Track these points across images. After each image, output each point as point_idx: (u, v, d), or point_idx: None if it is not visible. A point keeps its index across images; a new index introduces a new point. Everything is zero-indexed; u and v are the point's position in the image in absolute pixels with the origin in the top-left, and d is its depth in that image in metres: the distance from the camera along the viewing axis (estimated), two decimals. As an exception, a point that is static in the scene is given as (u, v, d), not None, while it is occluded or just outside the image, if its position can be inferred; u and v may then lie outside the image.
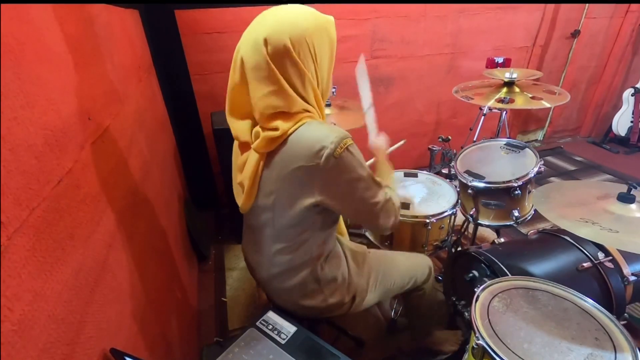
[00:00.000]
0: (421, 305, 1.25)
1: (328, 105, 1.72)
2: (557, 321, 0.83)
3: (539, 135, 3.47)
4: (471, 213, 1.48)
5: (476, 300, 0.88)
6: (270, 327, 0.86)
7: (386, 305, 1.65)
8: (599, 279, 1.09)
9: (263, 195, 0.85)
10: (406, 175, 1.65)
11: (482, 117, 2.00)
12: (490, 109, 1.86)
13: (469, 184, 1.40)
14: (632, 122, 3.09)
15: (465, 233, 1.81)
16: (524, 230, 2.08)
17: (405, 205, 1.40)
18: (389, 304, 1.65)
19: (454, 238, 1.70)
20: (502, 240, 1.33)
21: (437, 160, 2.18)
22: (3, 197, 0.43)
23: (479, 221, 1.48)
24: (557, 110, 3.30)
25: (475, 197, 1.44)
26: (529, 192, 1.41)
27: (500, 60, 2.68)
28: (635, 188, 0.96)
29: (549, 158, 3.14)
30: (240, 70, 0.76)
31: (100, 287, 0.67)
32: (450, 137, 1.96)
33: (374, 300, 1.08)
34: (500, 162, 1.49)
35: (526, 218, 1.44)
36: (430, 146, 1.96)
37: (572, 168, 2.97)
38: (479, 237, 2.02)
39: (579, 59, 3.07)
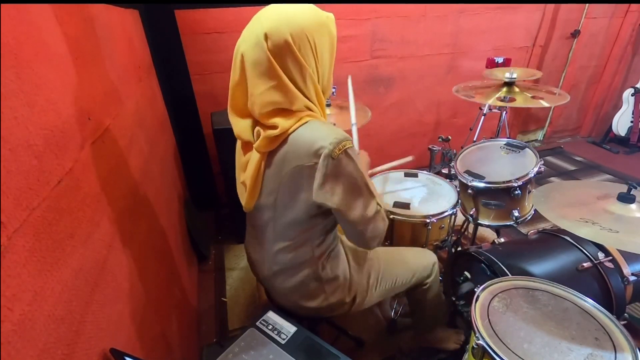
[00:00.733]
0: (425, 301, 1.24)
1: (328, 106, 1.72)
2: (557, 321, 0.83)
3: (539, 135, 3.47)
4: (471, 213, 1.48)
5: (476, 300, 0.88)
6: (270, 327, 0.86)
7: (386, 305, 1.65)
8: (599, 279, 1.08)
9: (265, 194, 0.86)
10: (406, 175, 1.65)
11: (482, 117, 2.00)
12: (490, 108, 1.86)
13: (469, 184, 1.40)
14: (632, 122, 3.09)
15: (465, 233, 1.81)
16: (524, 230, 2.08)
17: (405, 205, 1.40)
18: (389, 304, 1.65)
19: (454, 238, 1.70)
20: (502, 240, 1.32)
21: (437, 160, 2.17)
22: (3, 197, 0.43)
23: (479, 221, 1.48)
24: (557, 110, 3.30)
25: (475, 197, 1.44)
26: (529, 192, 1.41)
27: (500, 60, 2.68)
28: (635, 188, 0.96)
29: (549, 158, 3.14)
30: (241, 67, 0.76)
31: (100, 287, 0.67)
32: (450, 137, 1.95)
33: (376, 299, 1.07)
34: (500, 162, 1.49)
35: (526, 218, 1.44)
36: (430, 146, 1.96)
37: (572, 168, 2.97)
38: (479, 237, 2.02)
39: (579, 59, 3.07)
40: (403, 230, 1.40)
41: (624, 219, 0.90)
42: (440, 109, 2.79)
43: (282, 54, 0.71)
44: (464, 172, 1.45)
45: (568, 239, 1.18)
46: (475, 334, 0.80)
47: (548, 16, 2.70)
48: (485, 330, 0.80)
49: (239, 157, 0.91)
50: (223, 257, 2.06)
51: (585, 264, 1.09)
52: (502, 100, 1.65)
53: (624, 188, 0.98)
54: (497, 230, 1.63)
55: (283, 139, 0.77)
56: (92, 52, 0.91)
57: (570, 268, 1.10)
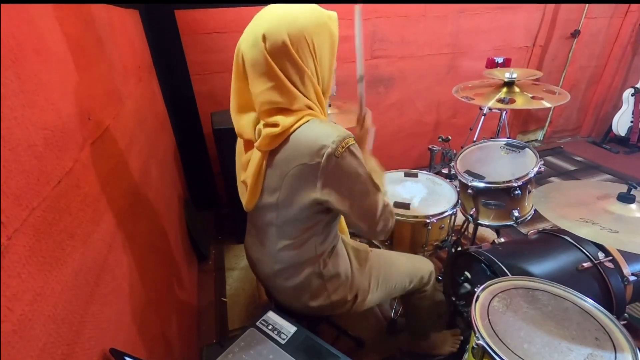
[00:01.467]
0: (421, 308, 1.25)
1: (328, 106, 1.72)
2: (557, 321, 0.83)
3: (539, 135, 3.47)
4: (471, 213, 1.48)
5: (476, 300, 0.88)
6: (270, 327, 0.86)
7: (386, 305, 1.65)
8: (599, 279, 1.08)
9: (267, 193, 0.86)
10: (406, 175, 1.65)
11: (482, 117, 2.00)
12: (490, 108, 1.86)
13: (469, 184, 1.40)
14: (632, 122, 3.09)
15: (465, 233, 1.81)
16: (524, 230, 2.08)
17: (405, 205, 1.40)
18: (389, 304, 1.65)
19: (454, 238, 1.70)
20: (502, 240, 1.32)
21: (437, 160, 2.17)
22: (3, 197, 0.43)
23: (479, 221, 1.48)
24: (557, 110, 3.30)
25: (475, 197, 1.44)
26: (529, 192, 1.41)
27: (500, 60, 2.68)
28: (635, 188, 0.96)
29: (549, 158, 3.14)
30: (242, 66, 0.76)
31: (100, 287, 0.67)
32: (450, 137, 1.95)
33: (376, 300, 1.08)
34: (500, 162, 1.49)
35: (526, 218, 1.44)
36: (430, 146, 1.96)
37: (572, 168, 2.97)
38: (479, 237, 2.02)
39: (579, 59, 3.07)
40: (403, 230, 1.40)
41: (624, 219, 0.90)
42: (440, 109, 2.79)
43: (280, 56, 0.71)
44: (464, 172, 1.45)
45: (568, 239, 1.18)
46: (475, 334, 0.80)
47: (548, 16, 2.70)
48: (485, 330, 0.80)
49: (240, 156, 0.91)
50: (223, 257, 2.06)
51: (585, 264, 1.09)
52: (501, 102, 1.65)
53: (624, 188, 0.98)
54: (497, 230, 1.63)
55: (284, 137, 0.76)
56: (92, 52, 0.91)
57: (570, 268, 1.10)
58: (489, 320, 0.83)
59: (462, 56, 2.61)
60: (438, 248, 1.46)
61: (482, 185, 1.38)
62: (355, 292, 1.00)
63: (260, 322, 0.87)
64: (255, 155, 0.82)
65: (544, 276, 1.00)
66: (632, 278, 1.08)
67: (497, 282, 0.95)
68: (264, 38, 0.70)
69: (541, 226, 1.90)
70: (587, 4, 2.81)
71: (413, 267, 1.16)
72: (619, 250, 1.13)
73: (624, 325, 0.81)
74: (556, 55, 3.01)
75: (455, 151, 1.76)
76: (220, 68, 2.09)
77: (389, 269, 1.10)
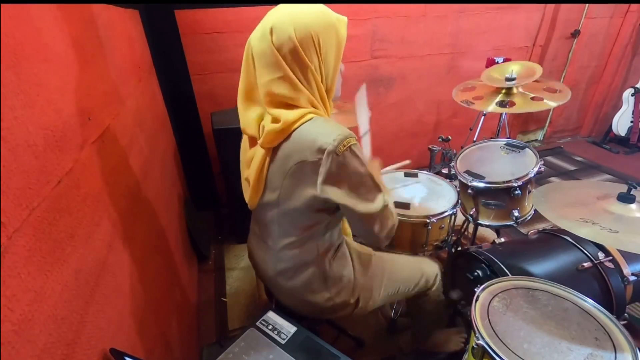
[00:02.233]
0: (425, 311, 1.24)
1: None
2: (557, 321, 0.83)
3: (539, 135, 3.47)
4: (471, 213, 1.48)
5: (476, 300, 0.88)
6: (270, 327, 0.86)
7: (386, 306, 1.65)
8: (599, 279, 1.08)
9: (269, 191, 0.86)
10: (406, 175, 1.65)
11: (482, 117, 2.00)
12: (490, 109, 1.85)
13: (469, 184, 1.40)
14: (632, 122, 3.09)
15: (465, 233, 1.81)
16: (524, 230, 2.08)
17: (406, 205, 1.40)
18: (389, 304, 1.65)
19: (454, 238, 1.70)
20: (502, 240, 1.32)
21: (437, 160, 2.18)
22: (3, 197, 0.43)
23: (479, 221, 1.48)
24: (557, 110, 3.30)
25: (475, 197, 1.44)
26: (529, 192, 1.41)
27: (500, 60, 2.68)
28: (635, 188, 0.96)
29: (549, 158, 3.14)
30: (251, 59, 0.78)
31: (100, 287, 0.67)
32: (450, 137, 1.95)
33: (378, 304, 1.07)
34: (500, 162, 1.49)
35: (526, 218, 1.44)
36: (430, 146, 1.96)
37: (572, 168, 2.97)
38: (479, 237, 2.02)
39: (579, 59, 3.07)
40: (403, 231, 1.39)
41: (624, 219, 0.90)
42: (440, 109, 2.79)
43: (285, 49, 0.73)
44: (464, 172, 1.45)
45: (568, 239, 1.18)
46: (475, 334, 0.80)
47: (548, 16, 2.70)
48: (485, 330, 0.80)
49: (244, 153, 0.92)
50: (223, 257, 2.06)
51: (585, 264, 1.09)
52: (501, 105, 1.64)
53: (624, 188, 0.97)
54: (497, 230, 1.63)
55: (287, 134, 0.77)
56: (92, 52, 0.91)
57: (570, 268, 1.10)
58: (489, 320, 0.83)
59: (462, 56, 2.61)
60: (438, 248, 1.46)
61: (482, 185, 1.38)
62: (358, 295, 0.99)
63: (260, 322, 0.87)
64: (258, 152, 0.83)
65: (544, 276, 1.00)
66: (632, 278, 1.08)
67: (497, 282, 0.95)
68: (272, 31, 0.72)
69: (541, 226, 1.90)
70: (587, 4, 2.81)
71: (418, 271, 1.15)
72: (619, 250, 1.13)
73: (624, 325, 0.81)
74: (556, 55, 3.01)
75: (455, 151, 1.76)
76: (220, 68, 2.09)
77: (392, 273, 1.09)
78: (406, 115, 2.71)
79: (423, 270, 1.17)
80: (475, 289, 0.92)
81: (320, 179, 0.76)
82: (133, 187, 1.01)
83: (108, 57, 1.03)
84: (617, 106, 3.20)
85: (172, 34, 1.92)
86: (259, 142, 0.81)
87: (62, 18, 0.74)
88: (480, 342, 0.77)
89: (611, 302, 1.07)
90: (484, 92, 1.78)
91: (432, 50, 2.51)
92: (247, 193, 0.91)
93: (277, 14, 0.75)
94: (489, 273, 1.12)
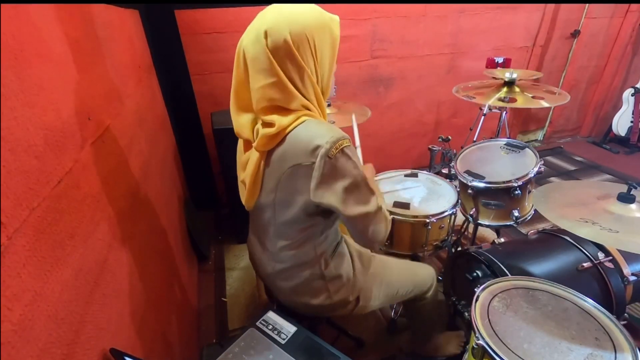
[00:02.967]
0: (423, 314, 1.25)
1: (328, 105, 1.73)
2: (557, 321, 0.83)
3: (539, 135, 3.47)
4: (471, 213, 1.48)
5: (476, 300, 0.88)
6: (270, 327, 0.86)
7: (386, 306, 1.65)
8: (599, 279, 1.08)
9: (265, 193, 0.86)
10: (406, 175, 1.65)
11: (482, 117, 2.00)
12: (490, 108, 1.86)
13: (469, 184, 1.40)
14: (632, 122, 3.09)
15: (465, 233, 1.81)
16: (524, 230, 2.08)
17: (405, 205, 1.40)
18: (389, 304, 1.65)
19: (454, 238, 1.70)
20: (502, 240, 1.32)
21: (437, 160, 2.17)
22: (3, 197, 0.43)
23: (479, 221, 1.48)
24: (557, 110, 3.30)
25: (475, 197, 1.44)
26: (529, 192, 1.41)
27: (500, 60, 2.68)
28: (635, 188, 0.96)
29: (549, 158, 3.14)
30: (243, 62, 0.76)
31: (100, 287, 0.67)
32: (450, 137, 1.95)
33: (378, 305, 1.08)
34: (500, 162, 1.49)
35: (526, 218, 1.44)
36: (430, 146, 1.95)
37: (572, 168, 2.97)
38: (479, 237, 2.02)
39: (579, 59, 3.07)
40: (403, 230, 1.39)
41: (624, 219, 0.90)
42: (440, 109, 2.79)
43: (281, 53, 0.71)
44: (464, 172, 1.45)
45: (568, 239, 1.18)
46: (475, 334, 0.80)
47: (548, 16, 2.70)
48: (485, 330, 0.80)
49: (240, 155, 0.92)
50: (223, 257, 2.06)
51: (585, 264, 1.09)
52: (502, 101, 1.65)
53: (624, 188, 0.97)
54: (497, 230, 1.63)
55: (281, 137, 0.76)
56: (92, 52, 0.91)
57: (570, 268, 1.10)
58: (489, 320, 0.83)
59: (462, 56, 2.61)
60: (438, 248, 1.46)
61: (482, 185, 1.38)
62: (358, 293, 0.99)
63: (260, 322, 0.87)
64: (253, 155, 0.83)
65: (544, 276, 1.00)
66: (632, 278, 1.08)
67: (497, 282, 0.95)
68: (266, 34, 0.71)
69: (541, 226, 1.90)
70: (587, 4, 2.81)
71: (416, 275, 1.16)
72: (619, 250, 1.13)
73: (624, 325, 0.81)
74: (556, 55, 3.01)
75: (455, 151, 1.75)
76: (220, 68, 2.09)
77: (392, 275, 1.10)
78: (406, 115, 2.71)
79: (420, 273, 1.18)
80: (475, 289, 0.92)
81: (313, 182, 0.75)
82: (133, 187, 1.01)
83: (108, 57, 1.03)
84: (617, 106, 3.20)
85: (172, 34, 1.92)
86: (254, 145, 0.80)
87: (62, 18, 0.74)
88: (480, 342, 0.77)
89: (611, 302, 1.07)
90: (485, 91, 1.78)
91: (432, 50, 2.51)
92: (244, 195, 0.90)
93: (270, 16, 0.73)
94: (488, 273, 1.12)
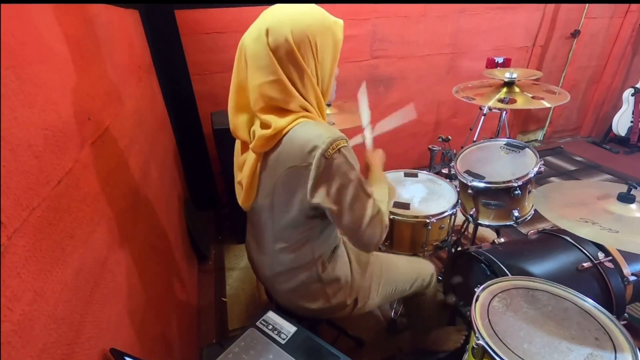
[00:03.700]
0: (422, 310, 1.25)
1: (328, 106, 1.72)
2: (557, 321, 0.83)
3: (539, 135, 3.47)
4: (471, 213, 1.48)
5: (476, 300, 0.88)
6: (270, 327, 0.86)
7: (386, 305, 1.65)
8: (599, 279, 1.08)
9: (262, 195, 0.85)
10: (406, 175, 1.65)
11: (482, 117, 2.00)
12: (490, 108, 1.86)
13: (469, 184, 1.40)
14: (632, 122, 3.09)
15: (465, 233, 1.81)
16: (524, 230, 2.08)
17: (405, 205, 1.40)
18: (389, 304, 1.65)
19: (454, 238, 1.70)
20: (502, 240, 1.32)
21: (437, 160, 2.17)
22: (3, 197, 0.43)
23: (479, 221, 1.48)
24: (557, 110, 3.30)
25: (475, 197, 1.44)
26: (529, 192, 1.41)
27: (500, 60, 2.68)
28: (636, 188, 0.96)
29: (549, 158, 3.14)
30: (244, 60, 0.76)
31: (100, 287, 0.67)
32: (450, 137, 1.95)
33: (377, 304, 1.08)
34: (500, 162, 1.49)
35: (526, 218, 1.44)
36: (430, 146, 1.96)
37: (572, 168, 2.97)
38: (479, 237, 2.02)
39: (579, 59, 3.07)
40: (403, 231, 1.39)
41: (624, 219, 0.90)
42: (440, 109, 2.79)
43: (281, 52, 0.71)
44: (464, 172, 1.45)
45: (568, 239, 1.18)
46: (475, 334, 0.80)
47: (548, 16, 2.70)
48: (485, 330, 0.80)
49: (237, 156, 0.91)
50: (223, 257, 2.06)
51: (585, 264, 1.09)
52: (502, 102, 1.65)
53: (624, 188, 0.97)
54: (497, 230, 1.63)
55: (278, 139, 0.76)
56: (92, 52, 0.91)
57: (570, 268, 1.10)
58: (489, 320, 0.83)
59: (462, 56, 2.61)
60: (438, 248, 1.46)
61: (482, 185, 1.38)
62: (356, 295, 0.99)
63: (260, 322, 0.87)
64: (250, 156, 0.82)
65: (544, 276, 1.00)
66: (632, 278, 1.08)
67: (497, 282, 0.95)
68: (267, 32, 0.70)
69: (541, 226, 1.90)
70: (587, 4, 2.81)
71: (414, 271, 1.16)
72: (619, 250, 1.13)
73: (624, 325, 0.81)
74: (556, 55, 3.01)
75: (455, 151, 1.76)
76: (220, 68, 2.09)
77: (390, 273, 1.10)
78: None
79: (419, 269, 1.17)
80: (475, 289, 0.92)
81: (310, 183, 0.75)
82: (133, 187, 1.01)
83: (108, 57, 1.03)
84: (617, 106, 3.20)
85: (172, 34, 1.92)
86: (251, 146, 0.80)
87: (62, 18, 0.74)
88: (480, 342, 0.77)
89: (611, 302, 1.07)
90: (484, 91, 1.78)
91: (432, 50, 2.51)
92: (240, 196, 0.90)
93: (273, 15, 0.73)
94: (488, 273, 1.12)
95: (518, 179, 1.33)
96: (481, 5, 2.46)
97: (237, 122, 0.83)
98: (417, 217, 1.34)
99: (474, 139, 2.12)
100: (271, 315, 0.89)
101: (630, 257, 1.12)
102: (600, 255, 1.11)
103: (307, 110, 0.78)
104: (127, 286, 0.80)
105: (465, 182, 1.42)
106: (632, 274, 1.09)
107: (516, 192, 1.33)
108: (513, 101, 1.65)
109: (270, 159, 0.79)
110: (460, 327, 1.41)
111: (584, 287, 1.01)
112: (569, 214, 0.94)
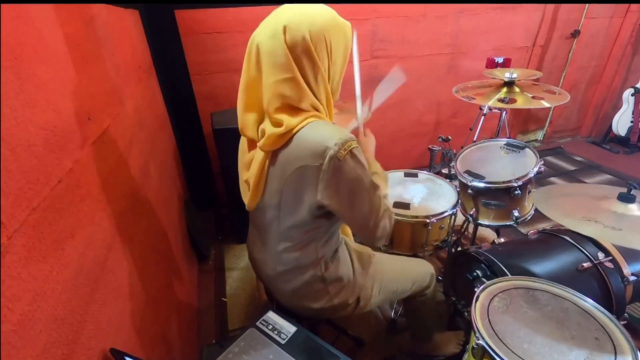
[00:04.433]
0: (422, 311, 1.25)
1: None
2: (557, 321, 0.83)
3: (539, 135, 3.47)
4: (471, 213, 1.48)
5: (476, 300, 0.88)
6: (270, 327, 0.86)
7: (386, 306, 1.65)
8: (599, 279, 1.08)
9: (269, 194, 0.85)
10: (406, 175, 1.65)
11: (482, 117, 2.00)
12: (490, 108, 1.86)
13: (469, 184, 1.40)
14: (632, 122, 3.09)
15: (465, 233, 1.81)
16: (524, 230, 2.08)
17: (405, 205, 1.40)
18: (389, 304, 1.65)
19: (454, 238, 1.70)
20: (502, 240, 1.32)
21: (437, 160, 2.17)
22: (3, 197, 0.43)
23: (479, 221, 1.48)
24: (557, 110, 3.30)
25: (475, 197, 1.44)
26: (529, 192, 1.41)
27: (500, 60, 2.68)
28: (636, 188, 0.96)
29: (549, 158, 3.14)
30: (256, 58, 0.75)
31: (100, 287, 0.67)
32: (450, 137, 1.95)
33: (377, 303, 1.08)
34: (500, 162, 1.49)
35: (526, 218, 1.44)
36: (430, 146, 1.96)
37: (572, 168, 2.97)
38: (479, 237, 2.02)
39: (579, 59, 3.07)
40: (403, 231, 1.40)
41: (626, 217, 0.90)
42: (440, 109, 2.79)
43: (298, 50, 0.72)
44: (464, 172, 1.45)
45: (568, 239, 1.18)
46: (475, 334, 0.80)
47: (548, 16, 2.70)
48: (485, 330, 0.80)
49: (243, 155, 0.91)
50: (223, 257, 2.06)
51: (585, 264, 1.09)
52: (502, 102, 1.65)
53: (624, 189, 0.97)
54: (497, 230, 1.63)
55: (288, 138, 0.76)
56: (92, 52, 0.91)
57: (570, 268, 1.10)
58: (489, 320, 0.83)
59: (462, 56, 2.61)
60: (438, 248, 1.46)
61: (482, 185, 1.38)
62: (357, 295, 1.00)
63: (260, 322, 0.87)
64: (258, 155, 0.82)
65: (544, 276, 1.00)
66: (632, 278, 1.08)
67: (497, 282, 0.95)
68: (285, 30, 0.71)
69: (541, 226, 1.90)
70: (587, 4, 2.81)
71: (414, 271, 1.16)
72: (619, 251, 1.13)
73: (624, 325, 0.81)
74: (556, 55, 3.01)
75: (455, 151, 1.75)
76: (220, 68, 2.09)
77: (391, 273, 1.10)
78: (406, 115, 2.71)
79: (420, 270, 1.18)
80: (475, 289, 0.92)
81: (321, 184, 0.75)
82: (133, 187, 1.01)
83: (108, 57, 1.03)
84: (617, 106, 3.20)
85: (172, 34, 1.92)
86: (259, 144, 0.80)
87: (62, 18, 0.74)
88: (480, 342, 0.77)
89: (611, 302, 1.07)
90: (485, 91, 1.78)
91: (432, 50, 2.51)
92: (247, 196, 0.90)
93: (289, 13, 0.73)
94: (488, 273, 1.12)
95: (518, 179, 1.33)
96: (481, 5, 2.46)
97: (245, 120, 0.83)
98: (417, 217, 1.34)
99: (474, 139, 2.12)
100: (271, 315, 0.89)
101: (630, 257, 1.13)
102: (600, 255, 1.11)
103: (317, 110, 0.78)
104: (127, 286, 0.80)
105: (465, 182, 1.42)
106: (632, 274, 1.09)
107: (516, 192, 1.33)
108: (513, 101, 1.65)
109: (280, 158, 0.79)
110: (459, 333, 1.42)
111: (584, 287, 1.01)
112: (571, 213, 0.94)
